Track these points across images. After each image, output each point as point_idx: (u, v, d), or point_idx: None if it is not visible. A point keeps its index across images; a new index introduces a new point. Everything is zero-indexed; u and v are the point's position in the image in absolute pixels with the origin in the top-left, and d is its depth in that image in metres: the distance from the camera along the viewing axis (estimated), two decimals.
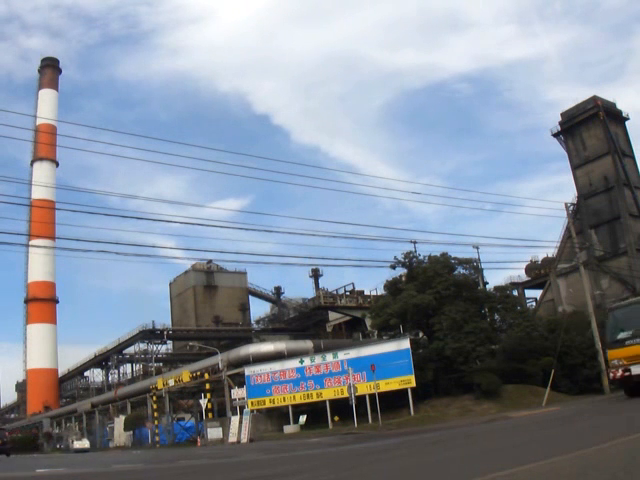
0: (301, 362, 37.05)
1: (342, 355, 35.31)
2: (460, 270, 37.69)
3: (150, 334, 68.60)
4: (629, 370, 17.33)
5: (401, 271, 39.52)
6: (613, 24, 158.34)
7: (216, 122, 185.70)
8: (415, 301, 34.21)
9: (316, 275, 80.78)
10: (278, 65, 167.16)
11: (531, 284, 68.76)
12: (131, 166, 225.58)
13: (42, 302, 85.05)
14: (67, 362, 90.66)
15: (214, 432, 37.66)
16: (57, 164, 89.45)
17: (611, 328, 19.03)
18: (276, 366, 37.93)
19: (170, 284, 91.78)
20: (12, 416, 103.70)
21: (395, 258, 37.32)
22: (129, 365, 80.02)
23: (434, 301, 34.27)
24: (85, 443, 52.48)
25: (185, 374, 44.59)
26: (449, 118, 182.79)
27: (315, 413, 36.16)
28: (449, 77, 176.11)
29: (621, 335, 18.09)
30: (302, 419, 36.61)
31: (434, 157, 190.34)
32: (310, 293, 76.64)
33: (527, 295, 69.60)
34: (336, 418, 34.41)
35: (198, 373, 44.69)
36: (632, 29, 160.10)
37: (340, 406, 33.79)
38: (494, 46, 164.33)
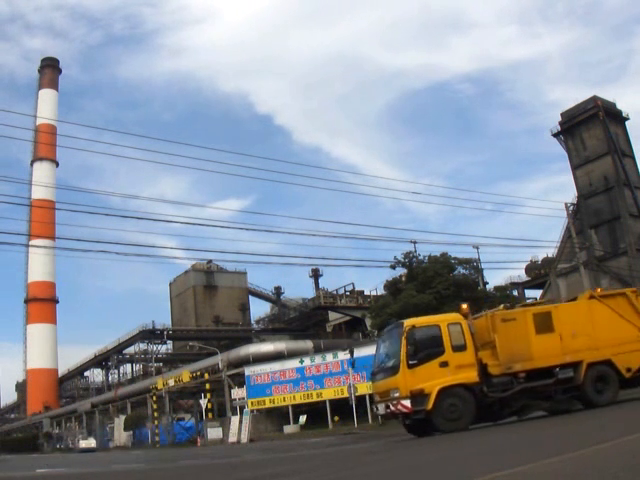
0: (301, 362, 37.04)
1: (342, 355, 35.28)
2: (460, 270, 37.72)
3: (150, 334, 68.59)
4: (377, 408, 15.10)
5: (401, 271, 39.56)
6: (614, 25, 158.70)
7: (218, 122, 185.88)
8: (415, 301, 34.21)
9: (316, 275, 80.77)
10: (280, 65, 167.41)
11: (531, 284, 68.77)
12: (133, 166, 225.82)
13: (42, 302, 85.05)
14: (67, 362, 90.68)
15: (214, 432, 37.64)
16: (57, 164, 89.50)
17: (375, 358, 15.89)
18: (276, 366, 37.91)
19: (170, 284, 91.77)
20: (12, 416, 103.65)
21: (395, 258, 37.36)
22: (129, 365, 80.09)
23: (434, 301, 34.26)
24: (92, 442, 52.20)
25: (185, 374, 44.57)
26: (451, 118, 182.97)
27: (315, 413, 36.15)
28: (451, 77, 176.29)
29: (376, 368, 15.50)
30: (302, 419, 36.61)
31: (436, 157, 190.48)
32: (310, 293, 76.70)
33: (527, 295, 69.56)
34: (336, 418, 34.40)
35: (198, 373, 44.66)
36: (633, 30, 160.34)
37: (340, 406, 33.78)
38: (496, 46, 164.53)
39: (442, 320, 15.10)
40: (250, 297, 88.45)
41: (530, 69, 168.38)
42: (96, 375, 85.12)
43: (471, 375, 14.15)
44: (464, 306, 15.94)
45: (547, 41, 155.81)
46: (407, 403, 13.78)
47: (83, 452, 48.61)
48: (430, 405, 13.64)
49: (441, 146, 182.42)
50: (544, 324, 14.89)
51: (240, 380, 40.04)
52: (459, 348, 14.35)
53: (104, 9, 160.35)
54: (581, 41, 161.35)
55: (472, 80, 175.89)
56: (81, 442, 52.64)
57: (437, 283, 34.87)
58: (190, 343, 77.58)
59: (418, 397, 13.79)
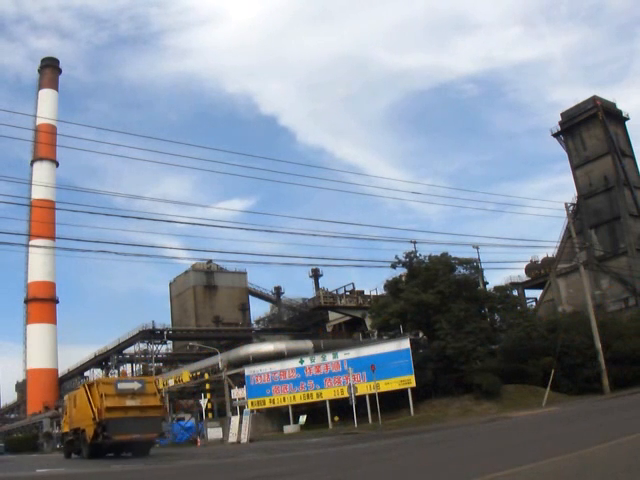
0: (301, 362, 37.04)
1: (342, 355, 35.30)
2: (460, 270, 37.66)
3: (150, 334, 68.50)
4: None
5: (401, 271, 39.51)
6: (618, 26, 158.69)
7: (223, 123, 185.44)
8: (420, 298, 34.18)
9: (316, 275, 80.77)
10: (285, 66, 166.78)
11: (531, 284, 68.75)
12: (137, 167, 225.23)
13: (42, 302, 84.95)
14: (67, 362, 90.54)
15: (214, 432, 37.61)
16: (57, 164, 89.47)
17: None
18: (276, 366, 37.90)
19: (170, 284, 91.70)
20: (12, 416, 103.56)
21: (396, 257, 37.28)
22: (129, 365, 79.92)
23: (437, 300, 34.22)
24: None
25: (185, 374, 44.56)
26: (454, 119, 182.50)
27: (315, 413, 36.14)
28: (455, 78, 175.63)
29: None
30: (302, 419, 36.59)
31: (439, 158, 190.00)
32: (310, 293, 76.59)
33: (527, 295, 69.62)
34: (336, 418, 34.39)
35: (198, 373, 44.64)
36: (636, 31, 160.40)
37: (340, 406, 33.78)
38: (500, 48, 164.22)
39: (80, 390, 26.76)
40: (250, 297, 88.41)
41: (533, 70, 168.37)
42: (96, 375, 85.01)
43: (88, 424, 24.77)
44: (119, 376, 27.37)
45: (550, 42, 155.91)
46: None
47: None
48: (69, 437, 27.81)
49: (445, 147, 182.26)
50: (75, 401, 25.78)
51: (240, 380, 40.03)
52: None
53: (110, 10, 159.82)
54: (584, 42, 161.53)
55: (476, 81, 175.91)
56: None
57: (439, 282, 34.81)
58: (190, 343, 77.50)
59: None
